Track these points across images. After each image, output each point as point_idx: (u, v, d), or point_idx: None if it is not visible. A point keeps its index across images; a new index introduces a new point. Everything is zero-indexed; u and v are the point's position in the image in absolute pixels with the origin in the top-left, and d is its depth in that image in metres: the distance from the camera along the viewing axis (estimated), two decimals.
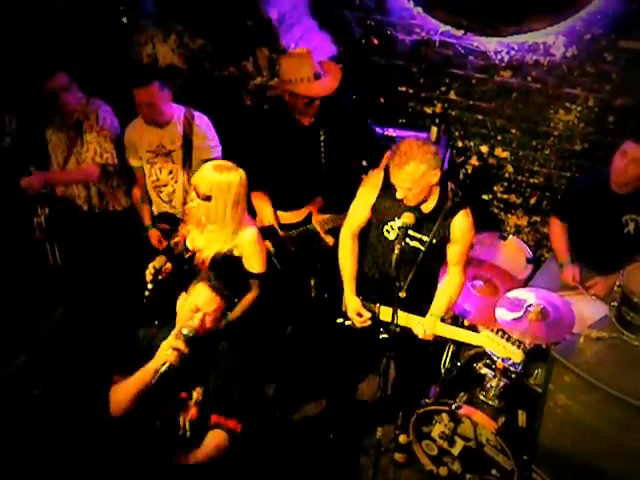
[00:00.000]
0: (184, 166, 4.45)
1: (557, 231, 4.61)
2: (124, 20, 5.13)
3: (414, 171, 3.41)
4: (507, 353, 3.52)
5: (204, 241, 3.91)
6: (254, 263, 3.91)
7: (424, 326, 3.63)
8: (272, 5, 4.73)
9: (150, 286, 3.83)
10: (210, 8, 4.89)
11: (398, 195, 3.54)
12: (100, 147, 4.59)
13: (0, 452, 4.05)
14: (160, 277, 3.85)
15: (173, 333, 3.27)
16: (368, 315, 3.77)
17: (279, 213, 4.53)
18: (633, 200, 4.20)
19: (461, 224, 3.65)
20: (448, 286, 3.79)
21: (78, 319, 4.74)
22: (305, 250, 4.53)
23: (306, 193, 4.50)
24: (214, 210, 3.73)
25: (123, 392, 3.27)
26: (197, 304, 3.33)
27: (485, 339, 3.56)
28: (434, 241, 3.65)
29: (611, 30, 4.38)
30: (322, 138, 4.31)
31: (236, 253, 3.87)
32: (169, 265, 3.92)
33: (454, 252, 3.73)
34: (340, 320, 3.87)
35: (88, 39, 5.10)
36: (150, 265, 3.84)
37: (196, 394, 3.34)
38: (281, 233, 4.48)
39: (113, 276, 4.73)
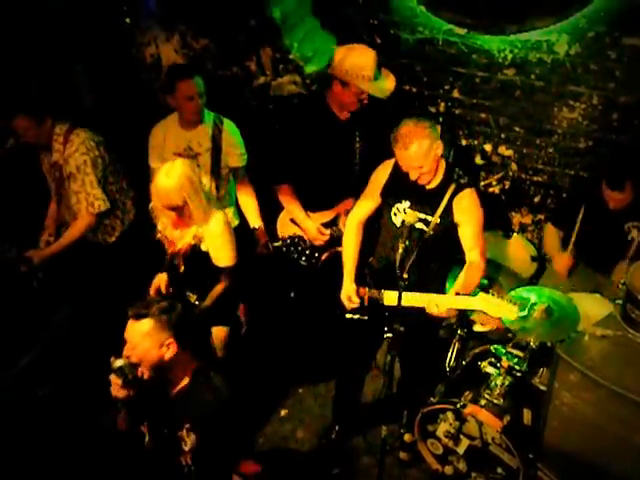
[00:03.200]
0: (212, 171, 4.38)
1: (551, 231, 4.71)
2: (127, 20, 5.14)
3: (419, 148, 3.51)
4: (501, 312, 3.49)
5: (178, 233, 3.89)
6: (220, 256, 3.87)
7: (428, 303, 3.60)
8: (275, 5, 4.73)
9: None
10: (213, 8, 4.89)
11: (412, 177, 3.63)
12: (89, 195, 4.43)
13: (4, 452, 4.08)
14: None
15: None
16: (357, 300, 3.77)
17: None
18: (632, 209, 4.24)
19: (465, 204, 3.69)
20: (464, 271, 3.77)
21: (85, 321, 4.73)
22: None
23: (338, 193, 4.49)
24: (195, 205, 3.67)
25: None
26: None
27: (480, 301, 3.53)
28: (438, 222, 3.68)
29: (614, 27, 4.36)
30: (358, 137, 4.32)
31: (203, 248, 3.84)
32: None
33: (465, 235, 3.74)
34: (349, 315, 3.88)
35: (91, 40, 5.11)
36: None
37: (190, 441, 3.04)
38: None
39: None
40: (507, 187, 4.78)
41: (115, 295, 4.53)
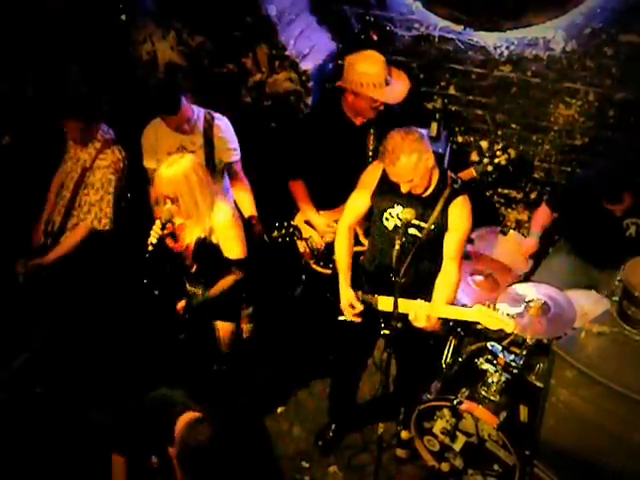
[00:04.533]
0: (206, 167, 4.29)
1: (543, 211, 4.79)
2: (123, 18, 5.12)
3: (407, 163, 3.44)
4: (499, 324, 3.50)
5: (184, 231, 3.89)
6: (232, 248, 3.86)
7: (420, 309, 3.58)
8: (271, 1, 4.72)
9: (154, 240, 3.74)
10: (209, 5, 4.88)
11: (403, 189, 3.57)
12: (100, 211, 4.44)
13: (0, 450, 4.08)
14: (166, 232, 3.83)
15: None
16: (360, 307, 3.73)
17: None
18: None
19: (459, 210, 3.65)
20: (444, 285, 3.73)
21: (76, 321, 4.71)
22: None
23: (348, 191, 4.49)
24: (187, 206, 3.69)
25: None
26: None
27: (476, 313, 3.53)
28: (432, 227, 3.65)
29: (611, 24, 4.37)
30: (371, 138, 4.29)
31: (214, 240, 3.83)
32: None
33: (451, 242, 3.70)
34: (342, 317, 3.87)
35: (87, 38, 5.09)
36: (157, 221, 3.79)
37: None
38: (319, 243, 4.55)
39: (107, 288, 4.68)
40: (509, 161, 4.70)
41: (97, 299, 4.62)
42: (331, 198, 4.45)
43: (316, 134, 4.31)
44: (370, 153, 4.32)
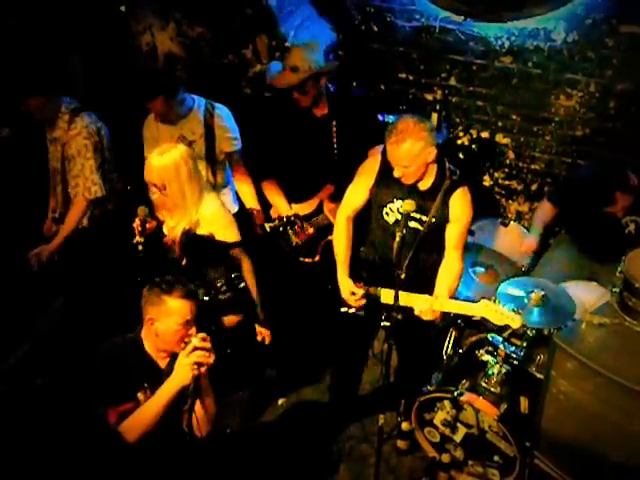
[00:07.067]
0: (207, 157, 4.39)
1: (545, 207, 4.77)
2: (122, 9, 5.11)
3: (411, 149, 3.46)
4: (505, 320, 3.49)
5: (173, 222, 3.88)
6: (227, 234, 3.90)
7: (426, 303, 3.59)
8: None
9: (140, 239, 3.75)
10: None
11: (395, 173, 3.59)
12: (87, 180, 4.45)
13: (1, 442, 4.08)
14: (147, 229, 3.81)
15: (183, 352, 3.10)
16: (361, 292, 3.73)
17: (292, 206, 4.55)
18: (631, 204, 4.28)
19: (460, 201, 3.67)
20: (447, 274, 3.74)
21: (79, 309, 4.71)
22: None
23: (317, 183, 4.49)
24: (174, 195, 3.71)
25: (137, 425, 3.16)
26: (183, 319, 3.17)
27: (483, 308, 3.53)
28: (433, 220, 3.66)
29: (612, 15, 4.36)
30: (334, 128, 4.33)
31: (199, 232, 3.84)
32: (154, 222, 3.88)
33: (453, 233, 3.72)
34: (344, 309, 3.87)
35: (86, 28, 5.08)
36: (136, 219, 3.78)
37: None
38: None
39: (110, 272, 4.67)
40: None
41: (100, 283, 4.62)
42: (301, 191, 4.49)
43: (279, 129, 4.37)
44: (335, 144, 4.35)
